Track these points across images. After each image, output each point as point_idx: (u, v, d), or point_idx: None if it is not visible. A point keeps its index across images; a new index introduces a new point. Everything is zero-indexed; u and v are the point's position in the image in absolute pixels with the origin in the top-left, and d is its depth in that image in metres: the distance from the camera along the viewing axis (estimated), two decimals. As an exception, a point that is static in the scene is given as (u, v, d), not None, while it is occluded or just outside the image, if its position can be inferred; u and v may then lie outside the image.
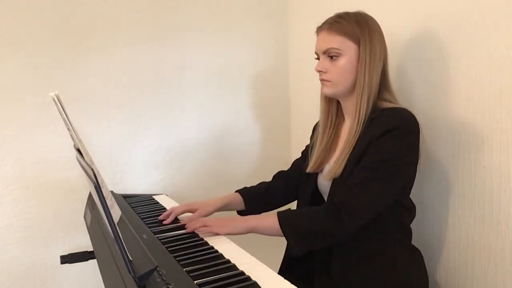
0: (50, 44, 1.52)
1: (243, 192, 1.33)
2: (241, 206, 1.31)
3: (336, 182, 1.09)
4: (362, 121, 1.07)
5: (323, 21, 1.13)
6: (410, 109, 1.09)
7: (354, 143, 1.07)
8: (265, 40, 1.88)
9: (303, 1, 1.82)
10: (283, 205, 1.35)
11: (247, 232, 1.08)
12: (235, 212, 1.34)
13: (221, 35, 1.79)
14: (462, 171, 1.14)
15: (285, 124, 1.98)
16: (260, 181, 1.41)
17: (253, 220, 1.10)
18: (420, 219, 1.27)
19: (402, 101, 1.28)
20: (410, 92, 1.28)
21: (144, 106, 1.68)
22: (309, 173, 1.21)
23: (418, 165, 1.10)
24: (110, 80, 1.62)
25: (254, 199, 1.32)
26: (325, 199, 1.19)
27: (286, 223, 1.03)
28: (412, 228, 1.17)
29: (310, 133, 1.34)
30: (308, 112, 1.28)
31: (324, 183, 1.17)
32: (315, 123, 1.32)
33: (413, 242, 1.16)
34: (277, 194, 1.34)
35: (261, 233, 1.08)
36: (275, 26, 1.90)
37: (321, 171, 1.19)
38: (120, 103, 1.64)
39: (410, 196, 1.15)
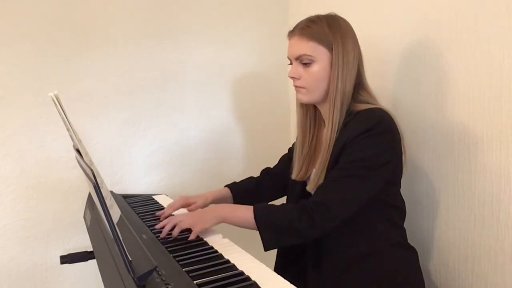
0: (50, 44, 1.52)
1: (232, 188, 1.34)
2: (230, 202, 1.32)
3: None
4: (336, 128, 1.06)
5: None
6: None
7: (331, 150, 1.06)
8: (265, 39, 1.88)
9: (303, 1, 1.82)
10: (270, 201, 1.35)
11: (219, 223, 1.07)
12: None
13: (221, 35, 1.79)
14: (462, 170, 1.14)
15: (285, 124, 1.97)
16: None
17: (226, 210, 1.08)
18: (419, 219, 1.27)
19: (403, 102, 1.27)
20: (409, 92, 1.28)
21: (144, 106, 1.68)
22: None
23: (405, 164, 1.10)
24: (110, 80, 1.62)
25: (243, 196, 1.32)
26: None
27: (261, 217, 1.02)
28: (411, 228, 1.16)
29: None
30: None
31: (310, 190, 1.16)
32: None
33: (412, 243, 1.16)
34: (265, 192, 1.35)
35: (233, 224, 1.06)
36: (275, 25, 1.90)
37: (308, 177, 1.18)
38: (120, 103, 1.64)
39: (407, 195, 1.14)
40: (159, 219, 1.23)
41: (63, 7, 1.54)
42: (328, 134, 1.07)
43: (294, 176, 1.20)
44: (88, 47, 1.58)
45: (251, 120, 1.89)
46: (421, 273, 1.14)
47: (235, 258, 0.93)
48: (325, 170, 1.07)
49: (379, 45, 1.36)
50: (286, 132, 1.98)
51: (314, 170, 1.15)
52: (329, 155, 1.06)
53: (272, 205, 1.08)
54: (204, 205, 1.27)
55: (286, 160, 1.32)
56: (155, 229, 1.16)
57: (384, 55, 1.36)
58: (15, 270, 1.54)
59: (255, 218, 1.02)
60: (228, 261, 0.92)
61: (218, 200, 1.30)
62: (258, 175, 1.41)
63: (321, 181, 1.07)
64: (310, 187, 1.12)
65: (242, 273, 0.85)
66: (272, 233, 1.01)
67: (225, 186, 1.35)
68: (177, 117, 1.74)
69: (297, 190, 1.21)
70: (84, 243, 1.59)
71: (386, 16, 1.35)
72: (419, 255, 1.15)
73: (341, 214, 1.02)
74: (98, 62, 1.60)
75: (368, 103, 1.08)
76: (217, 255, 0.96)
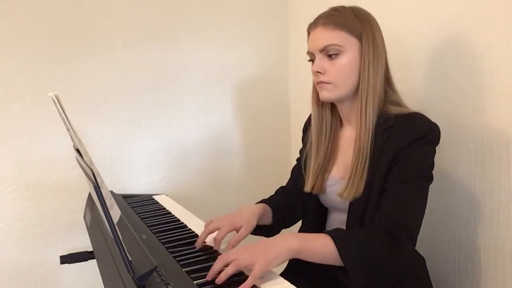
0: (50, 44, 1.52)
1: (268, 203, 1.14)
2: (269, 219, 1.13)
3: (358, 201, 0.98)
4: (371, 127, 0.96)
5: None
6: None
7: (367, 153, 0.96)
8: (265, 40, 1.88)
9: (303, 2, 1.82)
10: (299, 221, 1.22)
11: (290, 258, 0.84)
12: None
13: (221, 36, 1.79)
14: (462, 170, 1.14)
15: (285, 125, 1.97)
16: (260, 182, 1.39)
17: (293, 239, 0.83)
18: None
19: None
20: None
21: (144, 106, 1.68)
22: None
23: None
24: (109, 80, 1.62)
25: (279, 213, 1.15)
26: (330, 213, 1.12)
27: (346, 250, 0.84)
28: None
29: (310, 133, 1.27)
30: (308, 113, 1.27)
31: (333, 199, 1.06)
32: (304, 124, 1.24)
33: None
34: (296, 209, 1.19)
35: (307, 258, 0.85)
36: (275, 26, 1.90)
37: (324, 190, 1.09)
38: (120, 103, 1.64)
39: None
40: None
41: (63, 7, 1.53)
42: (361, 134, 0.97)
43: (309, 188, 1.09)
44: (88, 47, 1.58)
45: (251, 120, 1.89)
46: (430, 281, 1.08)
47: (235, 258, 0.93)
48: (364, 178, 0.96)
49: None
50: (286, 133, 1.98)
51: (336, 178, 1.06)
52: (365, 159, 0.96)
53: (351, 233, 0.93)
54: (252, 228, 1.03)
55: (299, 172, 1.18)
56: (155, 229, 1.16)
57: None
58: (15, 270, 1.54)
59: (339, 251, 0.84)
60: (228, 261, 0.92)
61: (262, 217, 1.08)
62: (257, 176, 1.34)
63: (360, 190, 0.96)
64: (342, 196, 0.99)
65: (242, 273, 0.85)
66: (363, 269, 0.84)
67: (260, 202, 1.15)
68: (177, 117, 1.74)
69: (312, 205, 1.12)
70: (84, 243, 1.59)
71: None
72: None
73: (418, 230, 0.92)
74: (98, 62, 1.60)
75: (398, 104, 1.00)
76: (217, 255, 0.96)
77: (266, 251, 0.81)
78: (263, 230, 1.12)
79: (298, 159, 1.24)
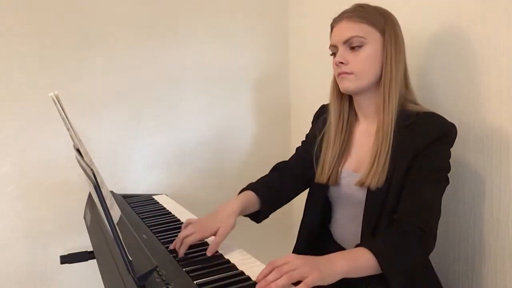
0: (50, 44, 1.52)
1: (254, 189, 1.13)
2: (256, 206, 1.12)
3: (378, 192, 0.98)
4: (393, 118, 0.98)
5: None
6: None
7: (390, 144, 0.97)
8: (265, 40, 1.88)
9: (303, 2, 1.82)
10: (290, 200, 1.22)
11: (339, 278, 0.83)
12: (245, 218, 1.14)
13: (221, 35, 1.79)
14: (462, 170, 1.14)
15: (285, 124, 1.97)
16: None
17: (342, 261, 0.84)
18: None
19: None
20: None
21: (144, 106, 1.68)
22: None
23: None
24: (110, 80, 1.62)
25: (268, 197, 1.14)
26: (337, 209, 1.13)
27: (387, 261, 0.86)
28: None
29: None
30: (308, 112, 1.27)
31: (348, 191, 1.07)
32: (315, 111, 1.25)
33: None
34: (288, 190, 1.19)
35: (352, 276, 0.86)
36: (275, 26, 1.90)
37: (339, 182, 1.09)
38: (120, 103, 1.64)
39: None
40: (161, 223, 1.16)
41: (63, 7, 1.53)
42: (384, 126, 0.98)
43: (324, 179, 1.09)
44: (88, 47, 1.58)
45: (251, 119, 1.89)
46: (439, 281, 1.08)
47: (235, 258, 0.93)
48: (386, 169, 0.97)
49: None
50: (286, 132, 1.98)
51: (349, 171, 1.08)
52: (387, 152, 0.97)
53: (385, 240, 0.92)
54: (231, 227, 1.01)
55: (304, 154, 1.19)
56: (155, 229, 1.16)
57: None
58: (15, 270, 1.53)
59: (381, 265, 0.85)
60: (228, 261, 0.92)
61: (244, 210, 1.07)
62: (257, 176, 1.32)
63: (382, 180, 0.97)
64: (363, 185, 1.00)
65: (242, 273, 0.85)
66: (401, 275, 0.87)
67: (244, 190, 1.14)
68: (177, 117, 1.74)
69: (318, 196, 1.14)
70: (84, 243, 1.58)
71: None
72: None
73: (437, 228, 0.95)
74: (98, 62, 1.60)
75: (416, 103, 1.02)
76: (217, 255, 0.96)
77: (320, 268, 0.80)
78: (252, 215, 1.13)
79: (303, 142, 1.25)
